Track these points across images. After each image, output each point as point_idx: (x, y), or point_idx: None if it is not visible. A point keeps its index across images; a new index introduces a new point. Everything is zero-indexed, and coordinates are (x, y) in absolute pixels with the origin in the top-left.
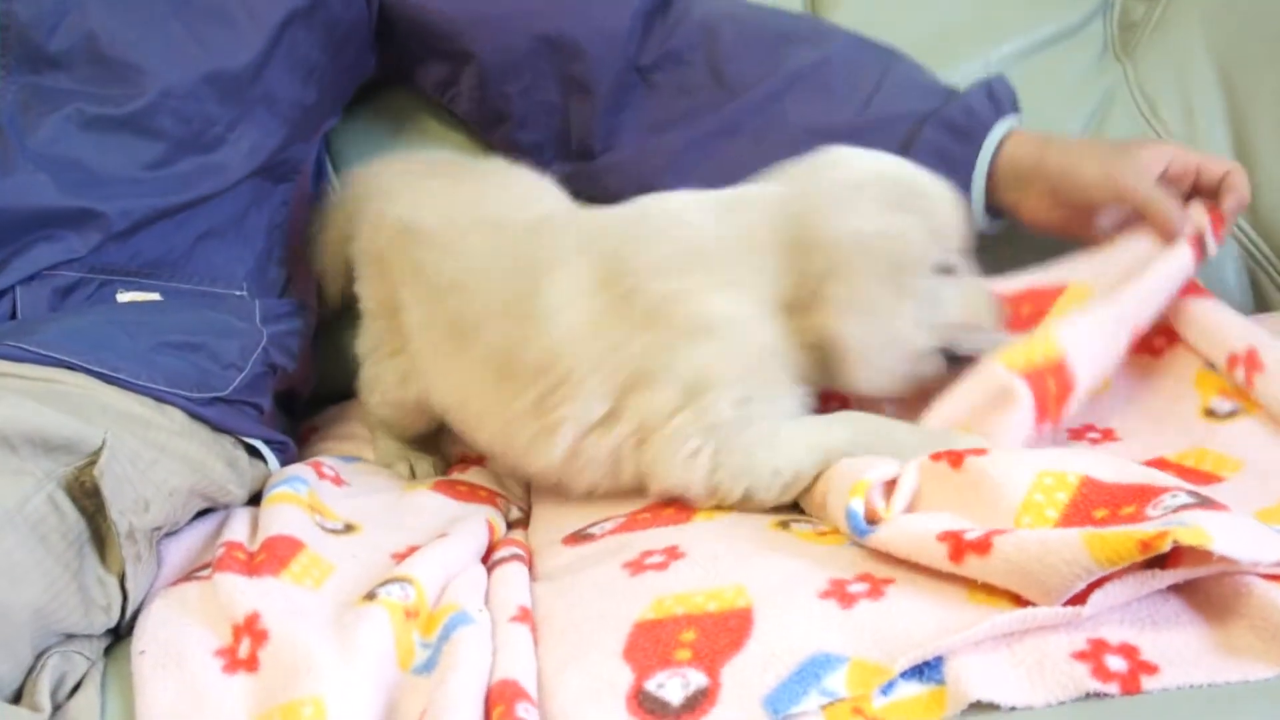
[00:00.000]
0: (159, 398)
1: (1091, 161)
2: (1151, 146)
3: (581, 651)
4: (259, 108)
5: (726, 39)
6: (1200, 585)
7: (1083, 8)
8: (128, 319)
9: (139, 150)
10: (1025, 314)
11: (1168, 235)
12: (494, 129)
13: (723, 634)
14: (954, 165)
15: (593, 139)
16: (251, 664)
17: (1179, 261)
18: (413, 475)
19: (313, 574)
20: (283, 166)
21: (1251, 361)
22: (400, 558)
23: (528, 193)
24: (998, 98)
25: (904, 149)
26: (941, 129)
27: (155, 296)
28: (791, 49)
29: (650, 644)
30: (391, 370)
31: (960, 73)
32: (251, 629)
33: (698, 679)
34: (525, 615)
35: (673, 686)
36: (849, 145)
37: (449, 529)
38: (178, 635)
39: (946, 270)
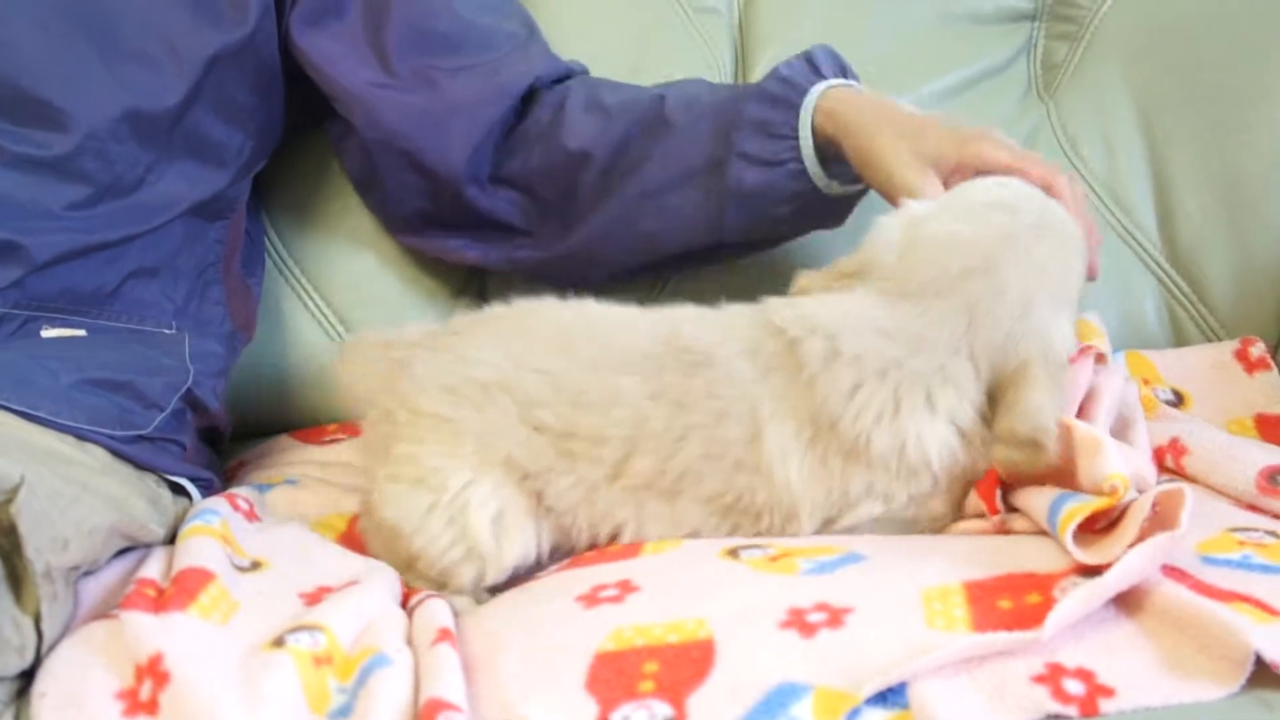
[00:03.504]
0: (80, 435)
1: (898, 144)
2: (976, 139)
3: (543, 683)
4: (184, 150)
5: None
6: (1151, 608)
7: (1007, 48)
8: (50, 355)
9: (62, 191)
10: None
11: (1046, 184)
12: (367, 194)
13: (685, 665)
14: (776, 133)
15: None
16: (152, 708)
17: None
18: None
19: (220, 608)
20: (215, 204)
21: (1176, 449)
22: (308, 597)
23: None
24: (817, 64)
25: (727, 131)
26: (761, 102)
27: (81, 333)
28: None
29: (613, 676)
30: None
31: None
32: (154, 670)
33: (663, 710)
34: (445, 635)
35: (638, 718)
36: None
37: (361, 577)
38: (80, 676)
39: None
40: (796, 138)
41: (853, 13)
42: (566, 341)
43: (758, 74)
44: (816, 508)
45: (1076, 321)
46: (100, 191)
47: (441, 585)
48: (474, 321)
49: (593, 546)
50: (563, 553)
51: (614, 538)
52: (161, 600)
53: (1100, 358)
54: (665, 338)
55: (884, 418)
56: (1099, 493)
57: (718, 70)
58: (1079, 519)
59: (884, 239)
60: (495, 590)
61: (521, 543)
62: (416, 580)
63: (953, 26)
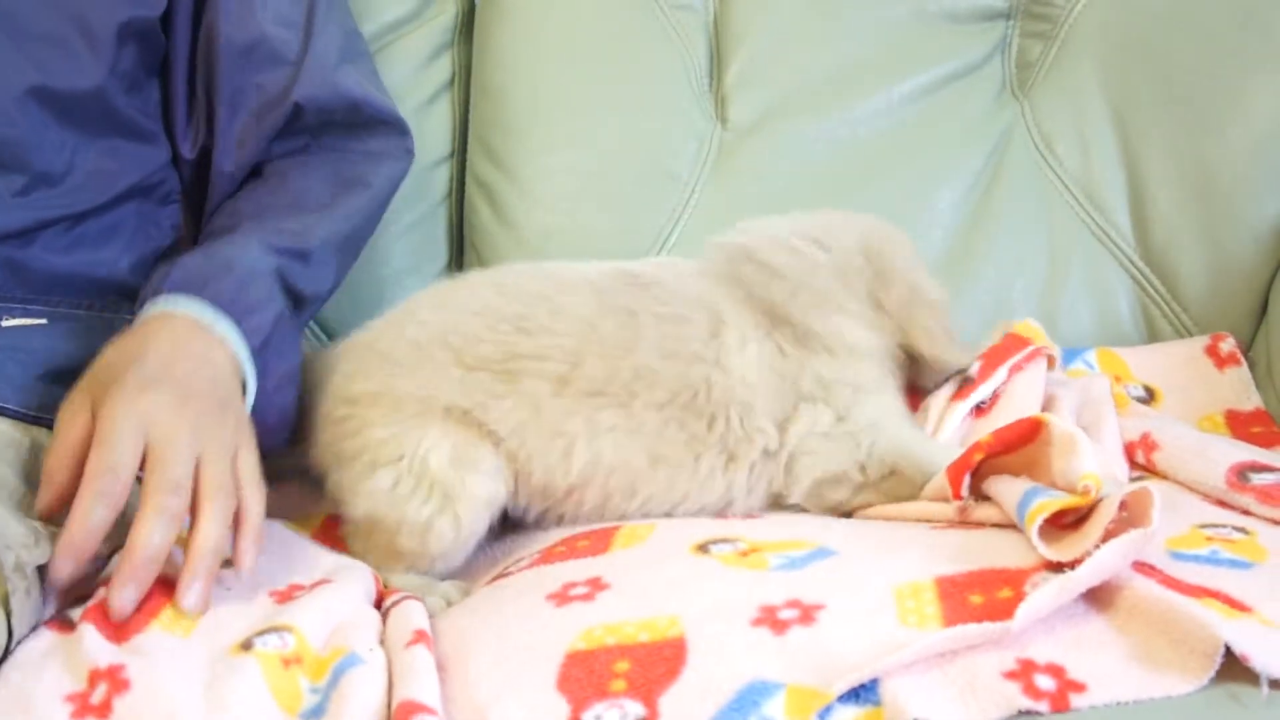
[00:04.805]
0: (51, 428)
1: None
2: None
3: (514, 683)
4: (109, 128)
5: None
6: (1122, 604)
7: (981, 47)
8: (15, 345)
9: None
10: None
11: None
12: None
13: (657, 664)
14: None
15: None
16: (103, 710)
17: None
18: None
19: (183, 622)
20: (162, 187)
21: (1147, 444)
22: (280, 595)
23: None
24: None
25: None
26: None
27: (42, 321)
28: None
29: (584, 675)
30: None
31: (864, 109)
32: (113, 678)
33: (635, 709)
34: (420, 637)
35: (610, 718)
36: None
37: (334, 575)
38: (31, 679)
39: None
40: None
41: (827, 10)
42: (507, 285)
43: (734, 70)
44: (770, 401)
45: (1019, 324)
46: (34, 176)
47: (427, 564)
48: (424, 291)
49: (544, 473)
50: (522, 490)
51: (566, 460)
52: (123, 629)
53: (1051, 360)
54: (611, 272)
55: (818, 311)
56: (1071, 491)
57: (693, 66)
58: (1047, 514)
59: None
60: (471, 580)
61: (487, 475)
62: (402, 569)
63: (927, 24)
